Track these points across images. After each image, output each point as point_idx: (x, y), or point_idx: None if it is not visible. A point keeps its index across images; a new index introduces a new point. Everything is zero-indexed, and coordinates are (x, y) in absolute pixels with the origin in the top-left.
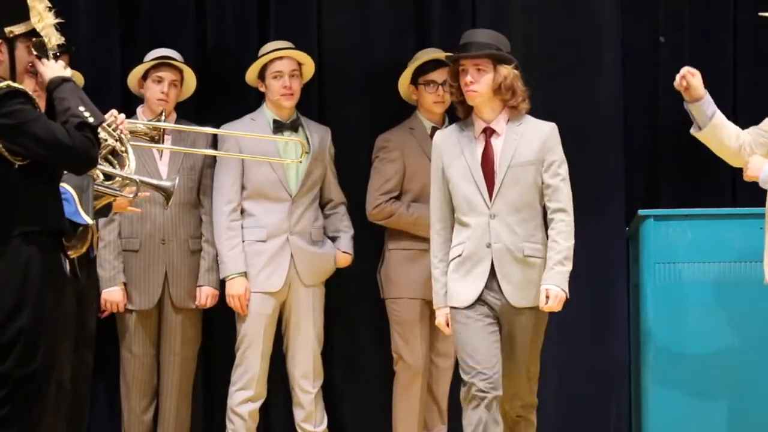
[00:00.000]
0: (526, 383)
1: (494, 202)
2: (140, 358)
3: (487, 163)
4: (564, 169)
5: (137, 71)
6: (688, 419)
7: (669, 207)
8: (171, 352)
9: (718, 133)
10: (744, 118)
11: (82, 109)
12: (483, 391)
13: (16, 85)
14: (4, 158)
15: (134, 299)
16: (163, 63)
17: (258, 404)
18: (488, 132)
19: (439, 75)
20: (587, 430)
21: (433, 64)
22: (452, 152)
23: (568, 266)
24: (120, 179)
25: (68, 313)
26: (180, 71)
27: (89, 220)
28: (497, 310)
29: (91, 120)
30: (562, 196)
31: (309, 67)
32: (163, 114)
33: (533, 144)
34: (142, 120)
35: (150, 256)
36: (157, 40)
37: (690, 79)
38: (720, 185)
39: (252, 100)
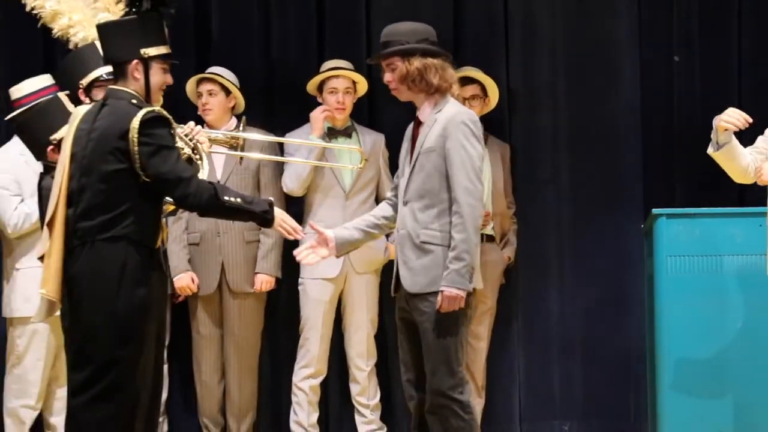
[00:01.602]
0: (432, 377)
1: (406, 189)
2: (207, 338)
3: (412, 152)
4: (459, 156)
5: (191, 87)
6: (700, 395)
7: (683, 206)
8: (231, 333)
9: (734, 151)
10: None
11: (239, 199)
12: (410, 398)
13: (164, 112)
14: (136, 171)
15: (198, 286)
16: (204, 78)
17: (318, 380)
18: (417, 122)
19: (465, 92)
20: (608, 407)
21: (462, 81)
22: (403, 146)
23: (466, 260)
24: None
25: (156, 301)
26: (219, 84)
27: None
28: (405, 299)
29: (226, 198)
30: (456, 185)
31: (362, 85)
32: (242, 123)
33: (437, 130)
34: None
35: (208, 247)
36: (227, 60)
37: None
38: (729, 186)
39: (311, 110)
